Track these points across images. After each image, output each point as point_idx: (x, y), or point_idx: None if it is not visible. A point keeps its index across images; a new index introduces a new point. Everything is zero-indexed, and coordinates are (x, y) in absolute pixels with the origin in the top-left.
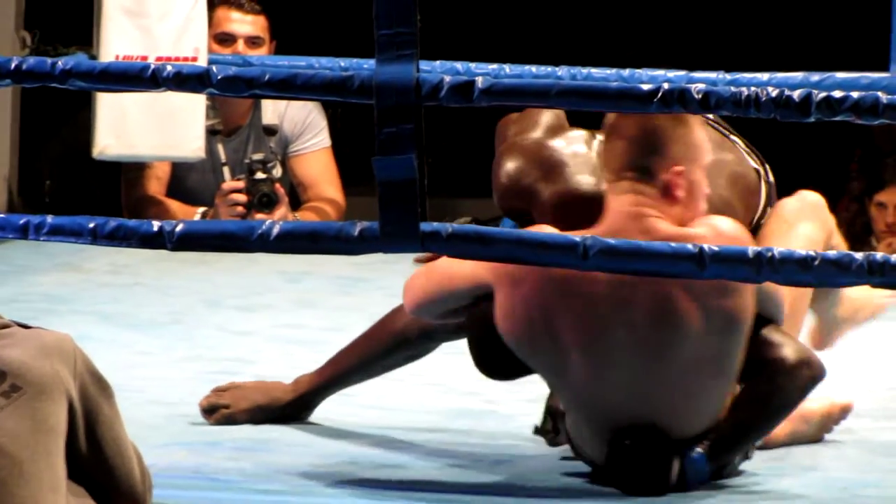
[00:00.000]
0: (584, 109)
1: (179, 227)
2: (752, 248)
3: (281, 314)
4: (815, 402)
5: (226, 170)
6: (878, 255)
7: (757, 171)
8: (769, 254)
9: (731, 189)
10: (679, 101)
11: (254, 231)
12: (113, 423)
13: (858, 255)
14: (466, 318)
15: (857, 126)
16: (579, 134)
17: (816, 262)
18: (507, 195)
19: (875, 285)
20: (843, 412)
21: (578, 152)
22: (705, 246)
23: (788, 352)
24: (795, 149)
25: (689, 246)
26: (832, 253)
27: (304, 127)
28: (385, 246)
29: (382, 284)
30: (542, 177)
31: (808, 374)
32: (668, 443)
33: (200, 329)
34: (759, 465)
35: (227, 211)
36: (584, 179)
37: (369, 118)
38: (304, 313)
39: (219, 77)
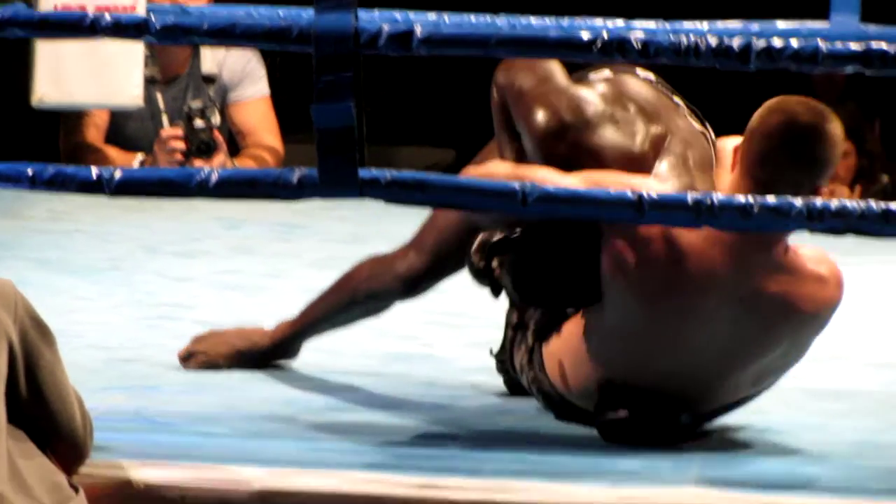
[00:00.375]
0: (524, 57)
1: (118, 174)
2: (691, 195)
3: (219, 260)
4: None
5: (164, 118)
6: (818, 200)
7: (704, 135)
8: (708, 200)
9: (697, 168)
10: (619, 50)
11: (193, 177)
12: (54, 368)
13: (798, 202)
14: (520, 235)
15: (796, 75)
16: (606, 90)
17: (756, 210)
18: (547, 140)
19: (815, 231)
20: None
21: (615, 106)
22: (644, 192)
23: None
24: (734, 99)
25: (629, 192)
26: (771, 200)
27: (243, 75)
28: (324, 192)
29: (320, 230)
30: (587, 126)
31: None
32: (678, 409)
33: (139, 275)
34: None
35: (165, 158)
36: (627, 138)
37: (308, 66)
38: (242, 259)
39: (158, 26)
